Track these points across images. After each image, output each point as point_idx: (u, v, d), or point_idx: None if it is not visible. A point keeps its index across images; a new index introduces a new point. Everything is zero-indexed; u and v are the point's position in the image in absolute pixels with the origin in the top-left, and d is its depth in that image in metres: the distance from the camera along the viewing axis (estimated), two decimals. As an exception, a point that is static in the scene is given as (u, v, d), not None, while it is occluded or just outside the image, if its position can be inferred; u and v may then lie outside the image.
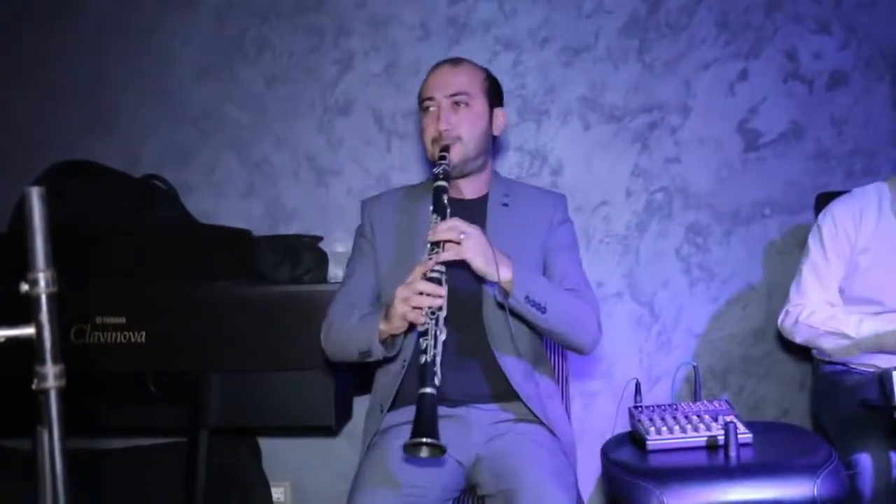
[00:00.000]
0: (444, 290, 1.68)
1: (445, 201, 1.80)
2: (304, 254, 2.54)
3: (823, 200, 2.50)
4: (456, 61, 2.03)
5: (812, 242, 2.37)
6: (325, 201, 2.85)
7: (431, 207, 1.81)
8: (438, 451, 1.56)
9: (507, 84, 2.77)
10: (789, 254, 2.75)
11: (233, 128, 2.87)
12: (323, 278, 2.60)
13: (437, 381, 1.62)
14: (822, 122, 2.79)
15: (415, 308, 1.66)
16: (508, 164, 2.80)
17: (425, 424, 1.56)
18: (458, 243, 1.72)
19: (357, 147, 2.85)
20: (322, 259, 2.64)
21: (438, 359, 1.64)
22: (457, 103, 1.94)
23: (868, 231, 2.27)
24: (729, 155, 2.80)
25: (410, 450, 1.57)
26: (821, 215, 2.38)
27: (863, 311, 2.27)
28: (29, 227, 0.99)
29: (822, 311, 2.30)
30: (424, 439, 1.54)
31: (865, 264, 2.27)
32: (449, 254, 1.71)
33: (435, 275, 1.69)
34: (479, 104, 1.98)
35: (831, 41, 2.78)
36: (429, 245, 1.73)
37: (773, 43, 2.77)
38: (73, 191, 2.56)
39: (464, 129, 1.93)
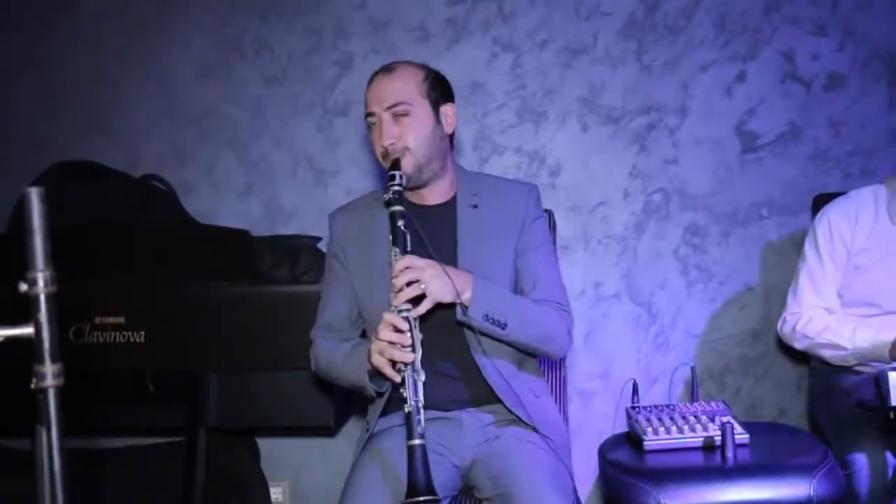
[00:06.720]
0: (412, 338, 1.67)
1: (402, 227, 1.75)
2: (302, 254, 2.53)
3: (821, 201, 2.49)
4: (389, 68, 1.90)
5: (808, 248, 2.35)
6: (324, 201, 2.85)
7: (390, 237, 1.77)
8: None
9: (505, 85, 2.80)
10: (787, 255, 2.76)
11: (232, 128, 2.88)
12: (321, 279, 2.60)
13: (422, 431, 1.63)
14: (820, 123, 2.79)
15: (389, 360, 1.67)
16: (506, 165, 2.81)
17: (420, 480, 1.59)
18: (418, 280, 1.71)
19: (355, 147, 2.85)
20: (321, 259, 2.63)
21: (421, 405, 1.65)
22: (397, 114, 1.84)
23: (864, 233, 2.27)
24: (727, 156, 2.81)
25: None
26: (816, 218, 2.37)
27: (861, 313, 2.27)
28: (28, 227, 0.99)
29: (817, 320, 2.29)
30: (422, 498, 1.57)
31: (862, 266, 2.27)
32: (412, 290, 1.70)
33: (403, 315, 1.68)
34: (422, 109, 1.86)
35: (829, 43, 2.78)
36: (393, 281, 1.72)
37: (771, 44, 2.78)
38: (72, 191, 2.56)
39: (409, 139, 1.84)
